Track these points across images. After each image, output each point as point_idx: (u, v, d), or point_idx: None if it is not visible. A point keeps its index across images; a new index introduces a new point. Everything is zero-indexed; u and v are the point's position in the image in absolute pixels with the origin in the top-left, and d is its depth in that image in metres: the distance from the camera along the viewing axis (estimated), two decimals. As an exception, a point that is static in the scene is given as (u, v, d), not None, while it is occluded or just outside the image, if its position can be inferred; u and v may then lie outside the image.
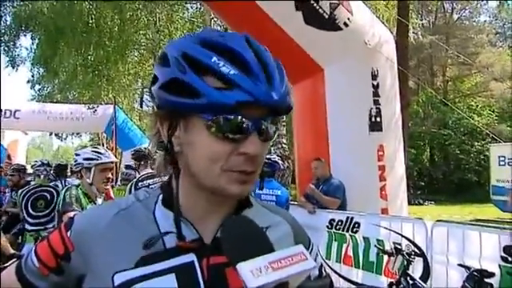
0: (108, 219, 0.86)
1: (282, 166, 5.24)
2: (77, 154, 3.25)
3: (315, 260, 1.00)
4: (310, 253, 1.00)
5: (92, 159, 3.13)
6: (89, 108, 16.41)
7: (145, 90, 22.34)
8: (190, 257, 0.84)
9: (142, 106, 25.51)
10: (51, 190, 5.19)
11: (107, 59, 14.07)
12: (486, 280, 3.04)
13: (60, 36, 14.11)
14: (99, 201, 3.19)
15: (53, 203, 4.83)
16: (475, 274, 3.10)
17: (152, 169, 4.39)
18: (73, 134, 26.70)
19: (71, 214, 2.86)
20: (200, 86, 0.76)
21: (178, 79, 0.78)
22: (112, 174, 3.36)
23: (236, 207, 0.90)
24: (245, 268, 0.69)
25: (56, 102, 18.96)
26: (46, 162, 5.94)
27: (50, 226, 4.78)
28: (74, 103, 17.86)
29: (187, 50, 0.79)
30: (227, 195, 0.83)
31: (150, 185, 4.12)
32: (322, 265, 1.04)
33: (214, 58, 0.77)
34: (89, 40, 13.72)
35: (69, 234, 0.87)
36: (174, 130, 0.82)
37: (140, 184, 4.34)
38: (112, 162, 3.28)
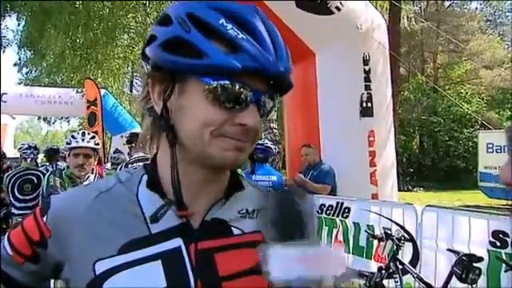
0: (87, 202, 0.80)
1: (274, 151, 5.21)
2: (66, 138, 3.22)
3: None
4: None
5: (67, 143, 3.08)
6: (78, 92, 16.19)
7: (135, 74, 22.14)
8: (177, 242, 0.79)
9: (131, 91, 25.27)
10: (38, 173, 5.12)
11: (96, 42, 13.84)
12: (475, 264, 3.06)
13: (47, 18, 13.83)
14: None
15: (39, 187, 4.77)
16: (464, 258, 3.12)
17: (144, 152, 4.33)
18: (62, 118, 26.38)
19: None
20: (205, 46, 0.71)
21: (181, 38, 0.73)
22: (90, 162, 3.20)
23: (226, 190, 0.85)
24: (276, 253, 0.64)
25: (44, 86, 18.68)
26: (33, 145, 5.84)
27: (38, 209, 4.73)
28: (62, 87, 17.60)
29: (193, 10, 0.74)
30: (219, 163, 0.78)
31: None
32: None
33: (222, 20, 0.73)
34: (77, 22, 13.45)
35: (44, 219, 0.81)
36: (171, 93, 0.76)
37: (130, 166, 4.29)
38: (86, 148, 3.13)
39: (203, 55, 0.71)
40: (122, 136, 14.73)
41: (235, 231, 0.83)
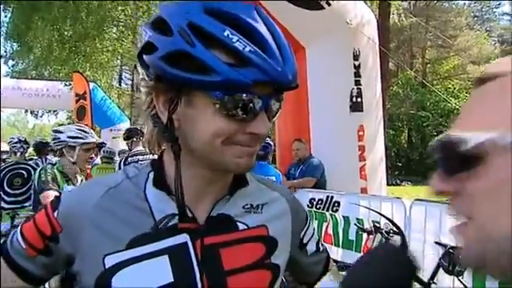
0: (97, 198, 0.82)
1: (273, 148, 5.22)
2: (58, 132, 3.17)
3: (312, 235, 1.01)
4: (308, 228, 1.00)
5: (78, 138, 3.07)
6: (66, 85, 16.02)
7: (123, 67, 21.95)
8: (184, 237, 0.81)
9: (120, 84, 25.08)
10: (28, 167, 5.08)
11: (85, 35, 13.70)
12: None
13: (34, 10, 13.64)
14: (79, 179, 3.14)
15: (30, 181, 4.74)
16: (451, 251, 3.18)
17: (144, 147, 4.38)
18: (49, 111, 26.09)
19: (48, 192, 2.82)
20: (212, 62, 0.70)
21: (185, 52, 0.71)
22: (95, 154, 3.34)
23: (231, 187, 0.87)
24: None
25: (31, 79, 18.44)
26: (22, 139, 5.79)
27: (27, 204, 4.70)
28: (50, 80, 17.39)
29: (194, 20, 0.72)
30: (233, 170, 0.80)
31: (139, 161, 4.10)
32: (319, 240, 1.04)
33: (227, 32, 0.70)
34: (65, 15, 13.29)
35: (55, 214, 0.83)
36: (176, 106, 0.76)
37: (130, 159, 4.32)
38: (94, 143, 3.25)
39: (211, 72, 0.70)
40: (111, 130, 14.67)
41: (240, 226, 0.86)
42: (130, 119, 16.45)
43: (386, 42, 10.96)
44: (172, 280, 0.79)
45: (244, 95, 0.72)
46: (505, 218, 0.44)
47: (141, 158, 4.25)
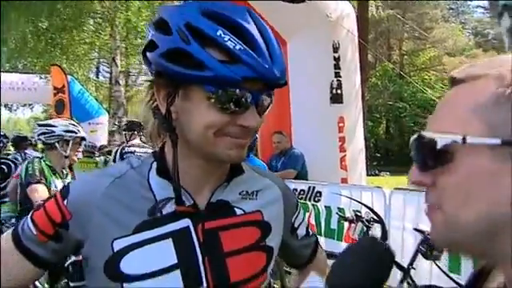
0: (104, 187, 0.88)
1: (257, 139, 5.29)
2: (50, 125, 3.16)
3: (302, 220, 1.08)
4: (298, 213, 1.07)
5: (73, 132, 3.11)
6: (41, 78, 15.69)
7: (101, 60, 21.59)
8: (186, 222, 0.88)
9: (98, 77, 24.69)
10: (9, 162, 5.03)
11: (62, 27, 13.42)
12: (438, 242, 3.27)
13: (7, 1, 13.29)
14: (64, 173, 3.15)
15: (10, 175, 4.69)
16: (428, 237, 3.30)
17: (141, 140, 4.42)
18: (24, 105, 25.54)
19: (36, 186, 2.83)
20: (206, 58, 0.77)
21: (182, 49, 0.78)
22: None
23: (228, 175, 0.94)
24: None
25: (5, 72, 17.98)
26: (2, 133, 5.71)
27: (7, 199, 4.65)
28: (25, 73, 17.00)
29: (191, 20, 0.79)
30: (225, 160, 0.86)
31: (136, 152, 4.12)
32: (308, 225, 1.11)
33: (220, 32, 0.78)
34: (41, 7, 12.99)
35: (65, 202, 0.88)
36: (174, 99, 0.83)
37: (127, 149, 4.34)
38: (84, 136, 3.33)
39: (205, 68, 0.77)
40: (89, 123, 14.48)
41: (237, 211, 0.93)
42: (108, 112, 16.25)
43: (364, 35, 11.09)
44: (176, 261, 0.85)
45: (236, 90, 0.79)
46: (469, 210, 0.52)
47: (137, 149, 4.28)
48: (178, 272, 0.85)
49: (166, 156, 0.91)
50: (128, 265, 0.84)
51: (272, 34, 0.84)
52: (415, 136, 0.58)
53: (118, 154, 4.35)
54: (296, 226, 1.07)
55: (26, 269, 0.90)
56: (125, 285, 0.84)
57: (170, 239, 0.86)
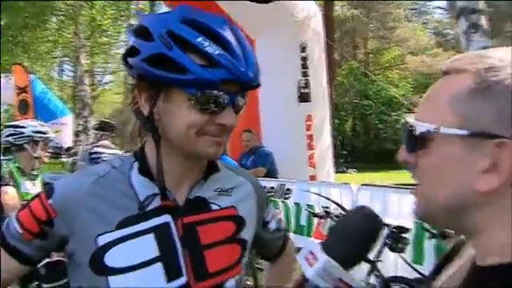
0: (88, 186, 0.92)
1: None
2: (19, 127, 3.10)
3: (272, 215, 1.15)
4: (269, 208, 1.14)
5: (42, 132, 3.07)
6: (2, 77, 15.16)
7: (64, 58, 21.05)
8: (166, 218, 0.93)
9: (61, 76, 24.07)
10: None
11: (23, 25, 13.04)
12: (403, 235, 3.39)
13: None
14: (34, 173, 3.11)
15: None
16: (394, 230, 3.43)
17: (113, 142, 4.37)
18: (-17, 105, 24.56)
19: (5, 188, 2.78)
20: (187, 63, 0.83)
21: (164, 54, 0.84)
22: None
23: (205, 172, 1.00)
24: (325, 262, 0.73)
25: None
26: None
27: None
28: (-17, 72, 16.38)
29: (172, 28, 0.85)
30: (204, 157, 0.93)
31: (103, 154, 4.05)
32: (280, 219, 1.18)
33: (200, 38, 0.84)
34: (1, 4, 12.57)
35: (50, 201, 0.92)
36: (156, 101, 0.89)
37: (95, 149, 4.26)
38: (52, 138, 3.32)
39: (186, 71, 0.83)
40: (53, 123, 14.10)
41: (213, 207, 1.00)
42: (73, 112, 15.88)
43: (331, 34, 11.29)
44: (158, 254, 0.91)
45: (214, 92, 0.85)
46: (440, 190, 0.60)
47: (106, 151, 4.20)
48: (159, 264, 0.90)
49: (147, 155, 0.96)
50: (112, 259, 0.89)
51: (246, 41, 0.91)
52: (403, 121, 0.65)
53: (87, 153, 4.29)
54: (267, 220, 1.15)
55: (11, 266, 0.94)
56: (110, 278, 0.88)
57: (152, 234, 0.91)
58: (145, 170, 0.95)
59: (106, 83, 25.50)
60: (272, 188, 5.29)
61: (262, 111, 6.17)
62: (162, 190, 0.92)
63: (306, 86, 6.31)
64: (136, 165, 0.96)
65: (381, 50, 29.96)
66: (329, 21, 11.40)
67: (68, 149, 9.21)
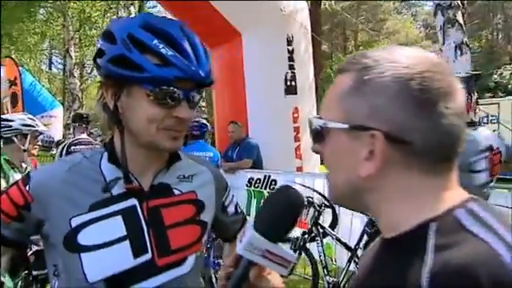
0: (62, 174, 1.04)
1: (209, 128, 5.43)
2: (8, 120, 3.15)
3: (231, 200, 1.27)
4: (228, 194, 1.25)
5: (31, 126, 3.13)
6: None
7: (53, 51, 20.93)
8: (133, 201, 1.05)
9: (50, 68, 23.91)
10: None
11: (11, 17, 12.95)
12: (381, 223, 3.54)
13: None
14: (24, 166, 3.18)
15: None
16: (373, 219, 3.57)
17: (88, 134, 4.41)
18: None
19: None
20: (143, 62, 0.95)
21: (125, 56, 0.96)
22: None
23: (167, 161, 1.12)
24: (250, 236, 0.80)
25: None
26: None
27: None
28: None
29: (132, 32, 0.97)
30: (162, 149, 1.04)
31: (80, 150, 4.10)
32: (237, 203, 1.30)
33: (155, 41, 0.96)
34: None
35: (27, 188, 1.03)
36: (119, 96, 1.00)
37: (73, 148, 4.29)
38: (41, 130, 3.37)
39: (143, 70, 0.95)
40: (42, 116, 14.06)
41: (176, 192, 1.12)
42: (62, 105, 15.84)
43: (317, 28, 11.37)
44: (125, 233, 1.02)
45: (169, 88, 0.97)
46: (336, 176, 0.71)
47: (83, 147, 4.23)
48: (127, 242, 1.02)
49: (115, 145, 1.07)
50: (84, 238, 1.00)
51: (199, 42, 1.03)
52: (310, 116, 0.75)
53: (64, 151, 4.31)
54: (226, 204, 1.27)
55: None
56: (82, 254, 0.99)
57: (120, 216, 1.03)
58: (113, 158, 1.06)
59: (95, 76, 25.38)
60: (258, 179, 5.40)
61: (249, 103, 6.25)
62: (125, 174, 1.03)
63: (293, 78, 6.40)
64: (106, 154, 1.08)
65: (371, 43, 30.05)
66: (316, 15, 11.47)
67: (59, 142, 9.23)
